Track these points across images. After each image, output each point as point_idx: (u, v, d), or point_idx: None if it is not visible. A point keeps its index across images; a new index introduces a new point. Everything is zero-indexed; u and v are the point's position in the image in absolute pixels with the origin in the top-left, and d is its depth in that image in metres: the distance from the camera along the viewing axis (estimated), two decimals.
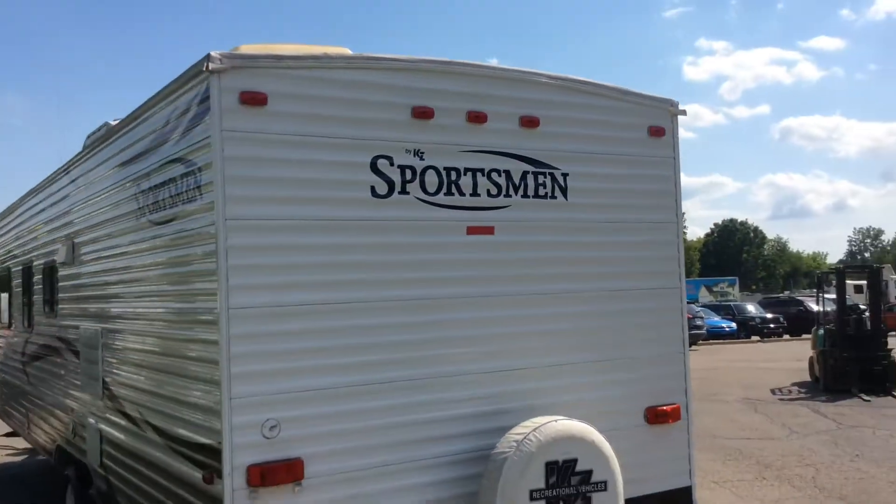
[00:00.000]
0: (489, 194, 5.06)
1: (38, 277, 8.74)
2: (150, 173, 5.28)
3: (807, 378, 18.70)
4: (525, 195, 5.19)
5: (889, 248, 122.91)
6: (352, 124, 4.65)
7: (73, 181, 7.27)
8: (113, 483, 6.11)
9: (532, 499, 4.54)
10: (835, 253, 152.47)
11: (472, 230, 4.99)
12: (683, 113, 5.88)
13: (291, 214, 4.46)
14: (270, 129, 4.41)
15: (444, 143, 4.92)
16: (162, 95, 5.02)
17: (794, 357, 23.23)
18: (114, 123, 6.57)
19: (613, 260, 5.52)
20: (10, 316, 10.54)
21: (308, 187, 4.51)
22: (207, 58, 4.25)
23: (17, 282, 10.14)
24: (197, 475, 4.49)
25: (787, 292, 67.86)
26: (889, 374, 16.68)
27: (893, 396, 15.97)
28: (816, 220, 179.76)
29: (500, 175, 5.10)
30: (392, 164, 4.75)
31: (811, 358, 18.81)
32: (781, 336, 35.87)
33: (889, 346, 17.08)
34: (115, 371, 6.08)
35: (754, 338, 34.26)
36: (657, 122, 5.75)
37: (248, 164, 4.34)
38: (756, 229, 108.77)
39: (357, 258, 4.64)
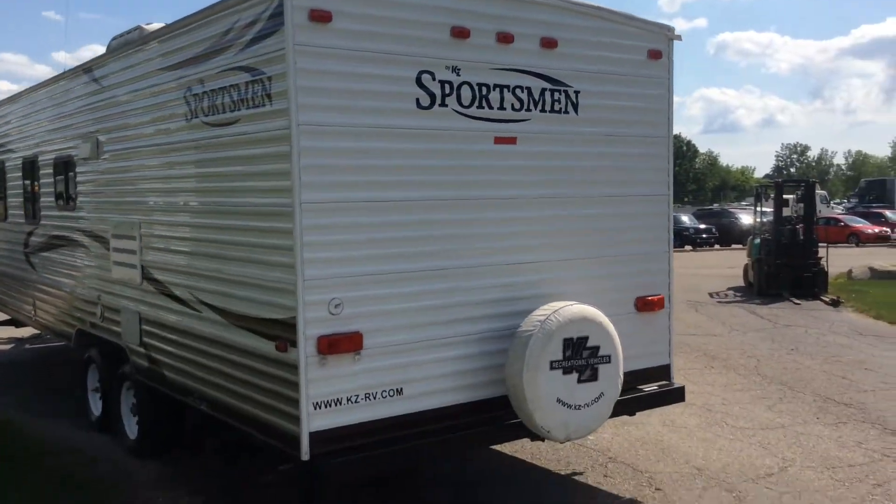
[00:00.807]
0: (513, 108, 5.74)
1: (45, 172, 9.15)
2: (203, 78, 5.80)
3: (741, 284, 20.03)
4: (543, 110, 5.88)
5: (814, 164, 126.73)
6: (401, 41, 5.24)
7: (95, 80, 7.67)
8: (156, 358, 6.79)
9: (552, 368, 5.39)
10: (762, 168, 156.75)
11: (498, 140, 5.68)
12: (679, 38, 6.59)
13: (351, 122, 5.07)
14: (333, 45, 4.99)
15: (476, 60, 5.56)
16: (222, 7, 5.51)
17: (727, 265, 24.61)
18: (149, 28, 7.00)
19: (614, 169, 6.28)
20: (5, 209, 10.90)
21: (364, 98, 5.12)
22: None
23: (13, 175, 10.48)
24: (268, 345, 5.20)
25: (716, 204, 70.04)
26: (818, 280, 18.10)
27: (821, 300, 17.35)
28: (746, 135, 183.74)
29: (522, 91, 5.77)
30: (434, 79, 5.38)
31: (746, 265, 20.12)
32: (713, 246, 37.51)
33: (819, 255, 18.43)
34: (157, 258, 6.68)
35: (687, 247, 35.84)
36: (656, 46, 6.46)
37: (316, 76, 4.93)
38: (689, 143, 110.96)
39: (404, 162, 5.30)
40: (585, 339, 5.51)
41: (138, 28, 7.17)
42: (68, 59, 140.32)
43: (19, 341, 13.65)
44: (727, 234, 38.30)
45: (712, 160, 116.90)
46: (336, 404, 5.06)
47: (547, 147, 5.91)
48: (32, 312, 10.06)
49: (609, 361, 5.63)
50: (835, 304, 16.94)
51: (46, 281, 9.41)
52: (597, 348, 5.57)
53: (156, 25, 7.08)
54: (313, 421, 4.97)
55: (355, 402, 5.13)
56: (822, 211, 35.68)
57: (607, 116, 6.21)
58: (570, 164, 6.05)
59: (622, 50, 6.29)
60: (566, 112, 5.99)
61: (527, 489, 6.69)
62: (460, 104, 5.49)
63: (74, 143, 8.20)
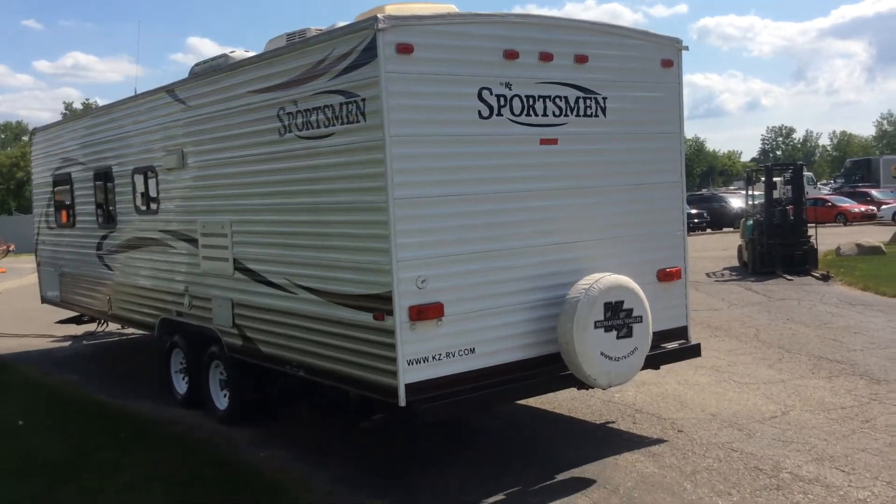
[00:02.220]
0: (554, 115, 6.95)
1: (123, 181, 10.32)
2: (296, 100, 6.99)
3: (735, 264, 21.29)
4: (578, 115, 7.10)
5: (799, 145, 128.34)
6: (465, 65, 6.44)
7: (179, 100, 8.85)
8: (250, 336, 7.98)
9: (595, 327, 6.62)
10: (748, 151, 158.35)
11: (543, 141, 6.90)
12: (686, 48, 7.81)
13: (428, 132, 6.28)
14: (414, 70, 6.19)
15: (524, 76, 6.76)
16: (316, 41, 6.71)
17: (720, 247, 25.87)
18: (234, 56, 8.20)
19: (636, 162, 7.50)
20: (74, 216, 12.07)
21: (438, 112, 6.33)
22: (376, 19, 5.98)
23: (83, 185, 11.65)
24: (366, 316, 6.40)
25: (705, 189, 71.28)
26: (808, 257, 19.37)
27: (812, 276, 18.62)
28: (731, 120, 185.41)
29: (561, 100, 6.99)
30: (491, 94, 6.59)
31: (740, 246, 21.39)
32: (705, 230, 38.83)
33: (809, 234, 19.71)
34: (250, 252, 7.87)
35: None
36: (667, 56, 7.68)
37: (402, 97, 6.13)
38: None
39: (470, 163, 6.51)
40: (622, 303, 6.74)
41: (224, 56, 8.35)
42: (49, 67, 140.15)
43: (76, 338, 14.82)
44: (718, 219, 39.52)
45: (699, 146, 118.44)
46: (424, 361, 6.27)
47: (582, 146, 7.13)
48: (107, 307, 11.23)
49: (641, 321, 6.87)
50: (825, 278, 18.17)
51: (124, 279, 10.59)
52: (631, 310, 6.80)
53: (240, 54, 8.27)
54: (407, 375, 6.18)
55: (438, 359, 6.34)
56: (809, 192, 37.09)
57: (629, 118, 7.43)
58: (600, 159, 7.27)
59: (640, 61, 7.51)
60: (596, 116, 7.21)
61: (571, 432, 7.92)
62: (512, 113, 6.70)
63: (157, 155, 9.37)
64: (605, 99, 7.26)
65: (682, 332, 7.90)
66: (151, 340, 13.49)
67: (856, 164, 61.50)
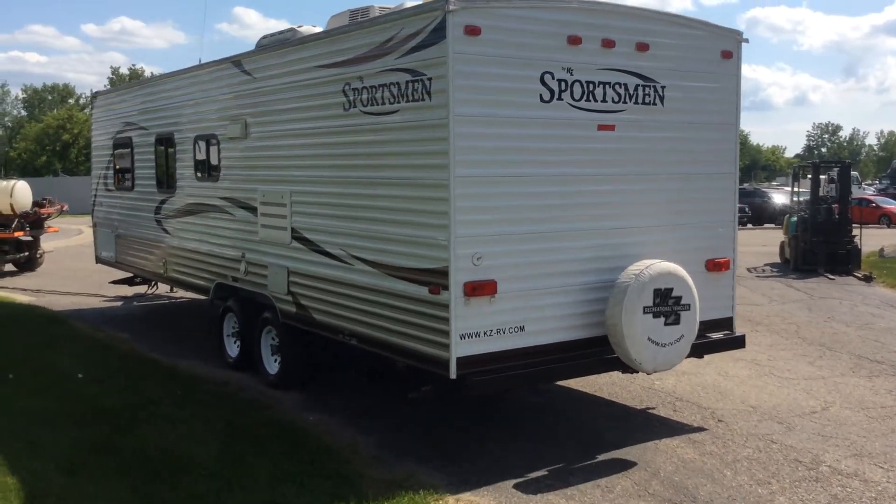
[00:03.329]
0: (613, 101, 7.08)
1: (184, 148, 10.62)
2: (362, 76, 7.19)
3: (776, 260, 21.21)
4: (636, 102, 7.22)
5: (845, 143, 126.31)
6: (529, 49, 6.60)
7: (245, 72, 9.09)
8: (304, 304, 8.24)
9: (644, 312, 6.77)
10: (793, 147, 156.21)
11: (601, 127, 7.03)
12: (746, 41, 7.88)
13: (491, 113, 6.45)
14: (480, 52, 6.35)
15: (585, 62, 6.90)
16: (384, 20, 6.90)
17: (760, 243, 25.68)
18: (302, 31, 8.41)
19: (691, 151, 7.61)
20: (133, 180, 12.42)
21: (501, 94, 6.49)
22: (446, 1, 6.14)
23: (143, 150, 11.97)
24: (421, 290, 6.61)
25: (747, 184, 70.50)
26: (851, 257, 19.24)
27: (854, 276, 18.52)
28: (777, 114, 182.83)
29: (620, 87, 7.11)
30: (553, 78, 6.73)
31: (782, 242, 21.30)
32: (746, 225, 38.48)
33: (853, 234, 19.58)
34: (308, 222, 8.11)
35: None
36: (727, 47, 7.75)
37: (467, 77, 6.30)
38: None
39: (529, 145, 6.67)
40: (671, 290, 6.88)
41: (291, 30, 8.57)
42: (96, 31, 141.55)
43: (126, 299, 15.24)
44: (759, 214, 39.13)
45: (743, 139, 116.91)
46: (476, 336, 6.47)
47: (639, 133, 7.25)
48: (163, 270, 11.58)
49: (689, 309, 7.00)
50: (867, 279, 18.06)
51: (181, 243, 10.91)
52: (679, 298, 6.93)
53: (307, 29, 8.48)
54: (459, 348, 6.39)
55: (489, 335, 6.54)
56: (854, 192, 36.54)
57: (687, 107, 7.53)
58: (656, 147, 7.38)
59: (699, 51, 7.60)
60: (654, 104, 7.32)
61: (611, 414, 8.09)
62: (573, 98, 6.84)
63: (220, 124, 9.63)
64: (663, 88, 7.36)
65: (727, 323, 8.02)
66: (201, 304, 13.96)
67: None
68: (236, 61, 9.28)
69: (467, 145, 6.33)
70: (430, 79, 6.44)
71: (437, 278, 6.47)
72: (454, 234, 6.31)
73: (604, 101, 7.03)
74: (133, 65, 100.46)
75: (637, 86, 7.21)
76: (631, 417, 8.09)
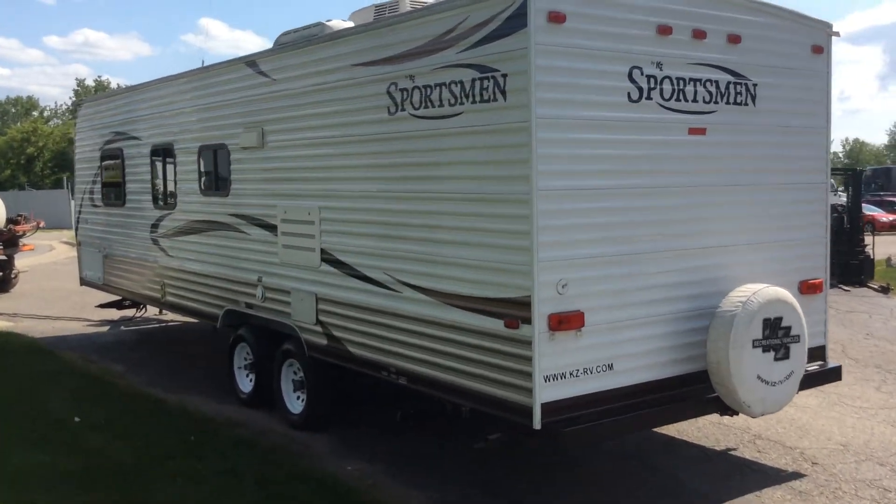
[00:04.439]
0: (704, 101, 6.13)
1: (186, 159, 9.53)
2: (413, 74, 6.19)
3: None
4: (728, 102, 6.28)
5: None
6: (616, 39, 5.64)
7: (261, 73, 8.05)
8: (338, 336, 7.20)
9: (753, 346, 5.80)
10: None
11: (691, 131, 6.08)
12: (837, 34, 6.98)
13: (576, 115, 5.48)
14: (564, 43, 5.38)
15: (675, 56, 5.95)
16: (442, 9, 5.90)
17: None
18: (332, 26, 7.38)
19: (783, 158, 6.68)
20: (123, 195, 11.29)
21: (586, 92, 5.52)
22: None
23: (136, 162, 10.86)
24: (494, 323, 5.60)
25: None
26: (864, 267, 18.49)
27: (869, 287, 17.75)
28: None
29: (711, 84, 6.16)
30: (642, 74, 5.77)
31: None
32: None
33: (865, 243, 18.84)
34: (343, 242, 7.08)
35: None
36: (818, 42, 6.84)
37: (550, 73, 5.33)
38: None
39: (617, 152, 5.71)
40: (780, 319, 5.93)
41: (319, 25, 7.53)
42: (60, 43, 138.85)
43: (113, 323, 14.07)
44: None
45: None
46: (561, 378, 5.47)
47: (730, 137, 6.31)
48: (160, 294, 10.45)
49: (798, 341, 6.06)
50: (884, 290, 17.31)
51: (182, 264, 9.81)
52: (789, 328, 5.98)
53: (338, 23, 7.46)
54: (544, 392, 5.39)
55: (576, 375, 5.54)
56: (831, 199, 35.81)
57: (779, 108, 6.61)
58: (747, 153, 6.45)
59: (790, 45, 6.68)
60: (746, 104, 6.39)
61: (690, 457, 7.12)
62: (662, 97, 5.89)
63: (230, 132, 8.58)
64: (755, 86, 6.44)
65: (820, 353, 7.07)
66: (196, 328, 12.86)
67: (875, 173, 60.39)
68: (251, 62, 8.23)
69: (551, 153, 5.35)
70: (504, 75, 5.45)
71: (514, 309, 5.47)
72: (537, 257, 5.32)
73: (694, 100, 6.09)
74: (99, 76, 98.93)
75: (728, 83, 6.28)
76: (712, 461, 7.13)
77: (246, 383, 8.93)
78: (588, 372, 5.61)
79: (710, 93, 6.16)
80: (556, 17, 5.30)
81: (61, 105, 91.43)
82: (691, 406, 6.21)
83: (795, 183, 6.81)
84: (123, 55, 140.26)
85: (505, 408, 5.62)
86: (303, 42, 7.52)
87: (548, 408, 5.40)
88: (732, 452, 7.33)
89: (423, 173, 6.22)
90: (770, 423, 8.10)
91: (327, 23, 7.46)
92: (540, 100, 5.27)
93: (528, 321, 5.38)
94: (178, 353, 11.60)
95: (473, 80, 5.68)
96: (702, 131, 6.13)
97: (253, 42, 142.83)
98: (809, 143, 6.89)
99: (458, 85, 5.80)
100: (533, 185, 5.29)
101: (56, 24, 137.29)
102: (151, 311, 13.66)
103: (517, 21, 5.30)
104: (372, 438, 7.67)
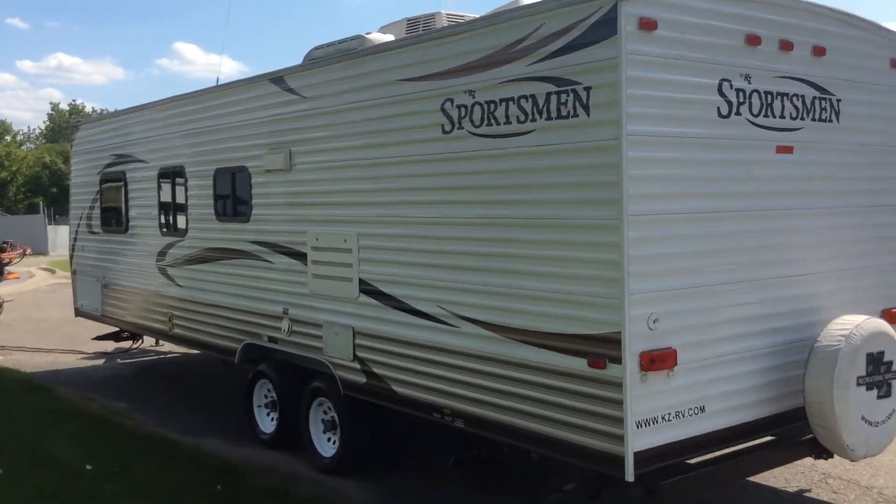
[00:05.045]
0: (790, 117, 5.65)
1: (199, 183, 8.92)
2: (472, 89, 5.65)
3: None
4: (813, 118, 5.79)
5: None
6: (706, 49, 5.13)
7: (289, 90, 7.47)
8: (379, 374, 6.60)
9: (857, 384, 5.28)
10: None
11: (779, 149, 5.59)
12: None
13: (667, 132, 4.96)
14: (655, 53, 4.87)
15: (763, 68, 5.45)
16: (512, 17, 5.38)
17: None
18: (373, 39, 6.84)
19: (867, 178, 6.21)
20: (126, 221, 10.63)
21: (676, 107, 5.00)
22: None
23: (140, 186, 10.23)
24: (573, 362, 5.04)
25: None
26: None
27: None
28: None
29: (798, 99, 5.68)
30: (731, 87, 5.27)
31: None
32: None
33: None
34: (387, 272, 6.50)
35: None
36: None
37: (641, 85, 4.81)
38: None
39: (708, 173, 5.20)
40: (882, 353, 5.42)
41: (358, 38, 6.97)
42: (32, 67, 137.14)
43: (108, 355, 13.36)
44: None
45: None
46: (653, 423, 4.92)
47: (816, 156, 5.83)
48: (167, 327, 9.79)
49: None
50: None
51: (194, 295, 9.16)
52: (891, 363, 5.47)
53: (378, 36, 6.91)
54: (636, 440, 4.82)
55: (668, 420, 4.99)
56: None
57: (861, 125, 6.14)
58: (833, 174, 5.97)
59: (870, 58, 6.23)
60: (830, 121, 5.92)
61: (763, 500, 6.57)
62: (751, 113, 5.40)
63: (252, 154, 7.99)
64: (839, 101, 5.96)
65: None
66: (199, 359, 12.17)
67: None
68: (277, 78, 7.65)
69: (642, 174, 4.82)
70: (587, 88, 4.92)
71: (600, 347, 4.91)
72: (628, 289, 4.76)
73: (781, 116, 5.59)
74: (73, 100, 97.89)
75: (814, 98, 5.80)
76: None
77: (267, 423, 8.29)
78: (680, 416, 5.05)
79: (796, 108, 5.68)
80: (648, 24, 4.78)
81: (34, 129, 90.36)
82: (786, 449, 5.69)
83: (879, 205, 6.33)
84: (97, 79, 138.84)
85: (588, 456, 5.05)
86: (340, 56, 6.95)
87: (640, 457, 4.84)
88: (807, 494, 6.79)
89: (486, 197, 5.66)
90: (836, 460, 7.53)
91: (367, 35, 6.91)
92: (631, 115, 4.75)
93: (617, 360, 4.82)
94: (183, 389, 10.91)
95: (548, 95, 5.15)
96: (789, 150, 5.64)
97: (229, 66, 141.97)
98: (891, 163, 6.42)
99: (529, 100, 5.27)
100: (623, 210, 4.75)
101: (29, 49, 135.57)
102: (148, 341, 12.99)
103: (605, 28, 4.79)
104: (417, 485, 7.05)
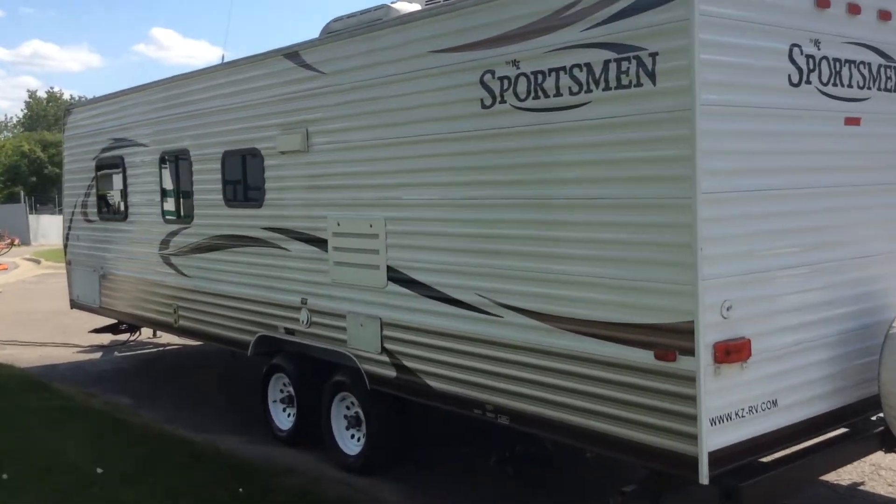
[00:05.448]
0: (858, 86, 5.25)
1: (206, 167, 8.44)
2: (517, 59, 5.22)
3: None
4: (880, 88, 5.40)
5: None
6: (777, 10, 4.73)
7: (306, 66, 7.01)
8: (411, 367, 6.19)
9: None
10: None
11: (847, 121, 5.19)
12: None
13: (738, 101, 4.54)
14: (728, 14, 4.46)
15: (831, 33, 5.05)
16: None
17: None
18: (399, 8, 6.38)
19: None
20: (125, 207, 10.14)
21: (747, 74, 4.60)
22: None
23: (139, 171, 9.75)
24: (638, 354, 4.63)
25: None
26: None
27: None
28: None
29: (864, 67, 5.28)
30: (801, 53, 4.86)
31: None
32: None
33: None
34: (418, 258, 6.08)
35: None
36: None
37: (716, 49, 4.39)
38: None
39: (777, 146, 4.79)
40: None
41: (384, 7, 6.50)
42: (7, 55, 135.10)
43: (105, 348, 12.87)
44: None
45: None
46: (727, 420, 4.53)
47: (883, 128, 5.44)
48: (172, 319, 9.32)
49: None
50: None
51: (201, 285, 8.70)
52: None
53: (404, 5, 6.45)
54: (710, 439, 4.43)
55: (741, 416, 4.60)
56: None
57: None
58: None
59: None
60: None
61: (817, 496, 6.21)
62: (821, 81, 4.99)
63: (264, 135, 7.52)
64: None
65: None
66: (198, 351, 11.74)
67: None
68: (291, 53, 7.18)
69: (715, 148, 4.41)
70: (653, 54, 4.49)
71: (669, 338, 4.51)
72: (701, 274, 4.36)
73: (849, 85, 5.19)
74: (51, 87, 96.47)
75: (880, 66, 5.40)
76: (847, 501, 6.21)
77: (283, 419, 7.87)
78: (753, 411, 4.66)
79: (863, 77, 5.28)
80: None
81: (12, 118, 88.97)
82: (858, 443, 5.31)
83: None
84: (74, 66, 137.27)
85: (654, 456, 4.66)
86: (363, 28, 6.48)
87: (714, 457, 4.45)
88: (862, 487, 6.44)
89: (533, 176, 5.23)
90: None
91: (393, 5, 6.44)
92: (704, 83, 4.33)
93: (689, 352, 4.42)
94: (188, 382, 10.46)
95: (606, 63, 4.72)
96: (856, 121, 5.24)
97: (209, 52, 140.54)
98: None
99: (584, 69, 4.84)
100: (696, 187, 4.33)
101: (4, 36, 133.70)
102: (146, 333, 12.52)
103: None
104: (453, 485, 6.64)
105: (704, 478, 4.41)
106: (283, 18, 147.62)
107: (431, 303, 6.00)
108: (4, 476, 6.65)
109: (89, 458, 7.18)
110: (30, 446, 7.53)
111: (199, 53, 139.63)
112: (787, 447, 4.93)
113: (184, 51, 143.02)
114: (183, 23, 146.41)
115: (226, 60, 8.68)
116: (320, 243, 7.00)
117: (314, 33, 7.07)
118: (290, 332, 7.47)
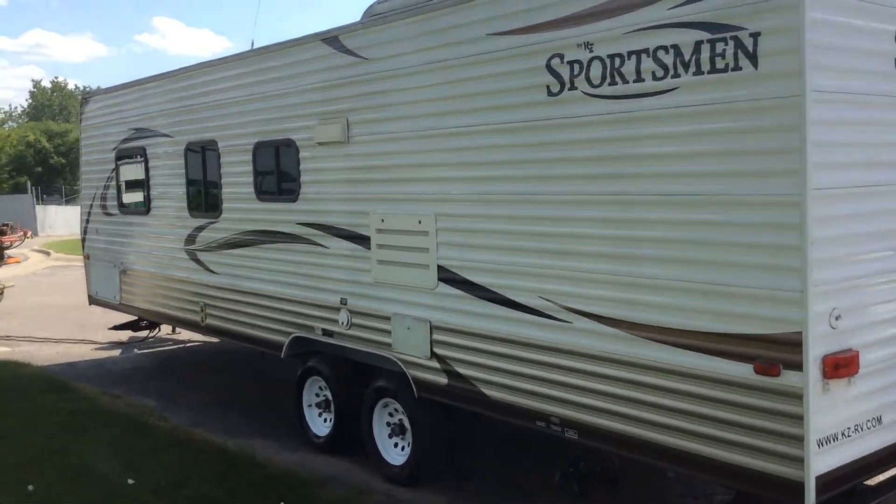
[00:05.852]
0: None
1: (237, 159, 8.01)
2: (591, 42, 4.77)
3: None
4: None
5: None
6: None
7: (346, 52, 6.57)
8: (465, 375, 5.77)
9: None
10: None
11: None
12: None
13: (846, 88, 4.11)
14: None
15: None
16: None
17: None
18: None
19: None
20: (148, 200, 9.72)
21: (853, 57, 4.16)
22: None
23: (163, 163, 9.33)
24: (731, 367, 4.21)
25: None
26: None
27: None
28: None
29: None
30: None
31: None
32: None
33: None
34: (474, 258, 5.65)
35: None
36: None
37: (826, 30, 3.96)
38: None
39: (881, 137, 4.37)
40: None
41: None
42: (11, 44, 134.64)
43: (123, 345, 12.48)
44: None
45: None
46: (833, 440, 4.11)
47: None
48: (199, 318, 8.91)
49: None
50: None
51: (231, 283, 8.28)
52: None
53: None
54: (817, 462, 4.00)
55: (847, 436, 4.18)
56: None
57: None
58: None
59: None
60: None
61: None
62: None
63: (300, 125, 7.09)
64: None
65: None
66: (221, 349, 11.33)
67: None
68: (331, 38, 6.73)
69: (827, 139, 3.97)
70: (754, 34, 4.04)
71: (773, 350, 4.07)
72: (811, 279, 3.91)
73: None
74: (56, 77, 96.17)
75: None
76: None
77: (320, 425, 7.45)
78: (859, 429, 4.24)
79: None
80: None
81: (16, 108, 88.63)
82: None
83: None
84: (77, 56, 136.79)
85: (750, 479, 4.23)
86: (411, 10, 6.03)
87: (822, 481, 4.02)
88: None
89: (608, 170, 4.78)
90: None
91: None
92: (815, 66, 3.88)
93: (796, 366, 3.98)
94: (213, 382, 10.05)
95: (698, 44, 4.26)
96: None
97: (214, 41, 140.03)
98: None
99: (671, 51, 4.38)
100: (806, 183, 3.89)
101: (7, 26, 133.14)
102: (164, 328, 12.12)
103: None
104: (503, 499, 6.22)
105: (811, 503, 3.98)
106: (290, 7, 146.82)
107: (488, 305, 5.57)
108: (30, 488, 6.24)
109: (118, 467, 6.77)
110: (54, 454, 7.12)
111: (202, 42, 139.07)
112: (891, 468, 4.49)
113: (187, 40, 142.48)
114: (185, 12, 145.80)
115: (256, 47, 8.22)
116: (362, 240, 6.57)
117: (324, 24, 6.62)
118: (327, 333, 7.05)
